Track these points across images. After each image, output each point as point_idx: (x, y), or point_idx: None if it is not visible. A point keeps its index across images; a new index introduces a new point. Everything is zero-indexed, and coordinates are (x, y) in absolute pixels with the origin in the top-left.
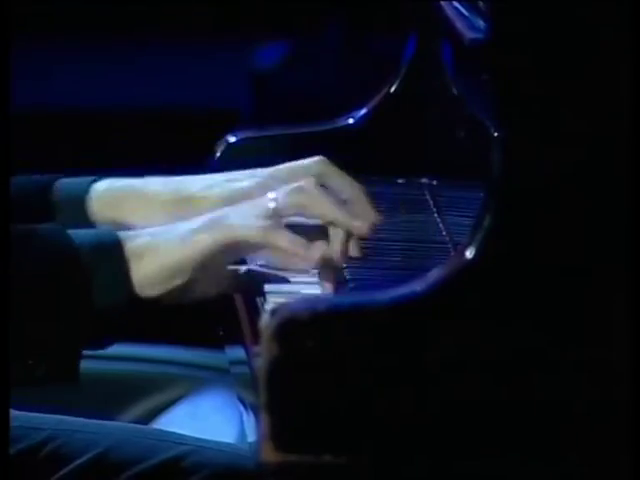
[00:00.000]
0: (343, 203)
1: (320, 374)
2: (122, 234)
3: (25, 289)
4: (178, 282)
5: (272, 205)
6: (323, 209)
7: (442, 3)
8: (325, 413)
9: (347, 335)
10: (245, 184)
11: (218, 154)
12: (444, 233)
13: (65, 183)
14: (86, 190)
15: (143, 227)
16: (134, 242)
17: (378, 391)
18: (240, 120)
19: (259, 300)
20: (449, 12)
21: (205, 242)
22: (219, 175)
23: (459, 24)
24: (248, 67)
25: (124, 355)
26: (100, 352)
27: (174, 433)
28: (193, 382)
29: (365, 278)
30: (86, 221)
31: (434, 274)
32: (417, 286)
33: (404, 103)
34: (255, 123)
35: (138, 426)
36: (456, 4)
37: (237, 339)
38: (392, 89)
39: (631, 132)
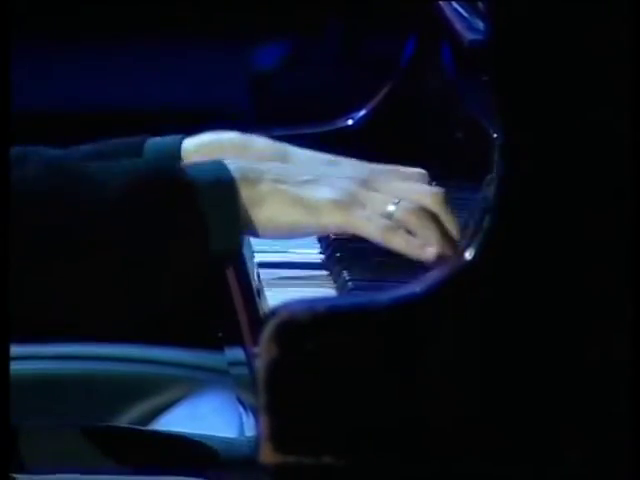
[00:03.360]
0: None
1: (319, 375)
2: (239, 174)
3: (135, 228)
4: (285, 236)
5: (392, 209)
6: (429, 241)
7: (441, 4)
8: (324, 414)
9: (346, 336)
10: (348, 171)
11: None
12: None
13: (155, 142)
14: (178, 146)
15: None
16: (255, 189)
17: (378, 392)
18: (239, 121)
19: (258, 301)
20: (448, 13)
21: (327, 222)
22: (326, 156)
23: (458, 25)
24: (247, 68)
25: (123, 356)
26: (100, 353)
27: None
28: (192, 383)
29: (364, 279)
30: None
31: (433, 275)
32: (416, 287)
33: (403, 104)
34: (254, 124)
35: None
36: (455, 5)
37: (236, 340)
38: (391, 90)
39: (632, 133)
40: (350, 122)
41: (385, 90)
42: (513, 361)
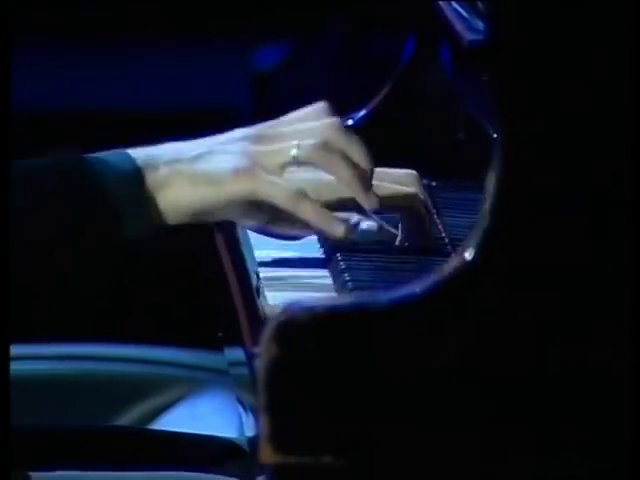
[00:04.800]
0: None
1: (319, 375)
2: (141, 161)
3: (52, 222)
4: (197, 216)
5: (294, 153)
6: (341, 172)
7: (441, 4)
8: (324, 414)
9: (346, 336)
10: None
11: None
12: (443, 234)
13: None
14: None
15: None
16: (156, 173)
17: (378, 392)
18: (240, 121)
19: (259, 301)
20: (448, 13)
21: (233, 192)
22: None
23: (458, 25)
24: (248, 68)
25: (123, 356)
26: (100, 353)
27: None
28: (192, 383)
29: (364, 279)
30: None
31: (433, 275)
32: (416, 287)
33: (403, 104)
34: (254, 124)
35: None
36: (455, 5)
37: (236, 340)
38: (391, 90)
39: (632, 133)
40: (350, 122)
41: (385, 90)
42: (513, 361)
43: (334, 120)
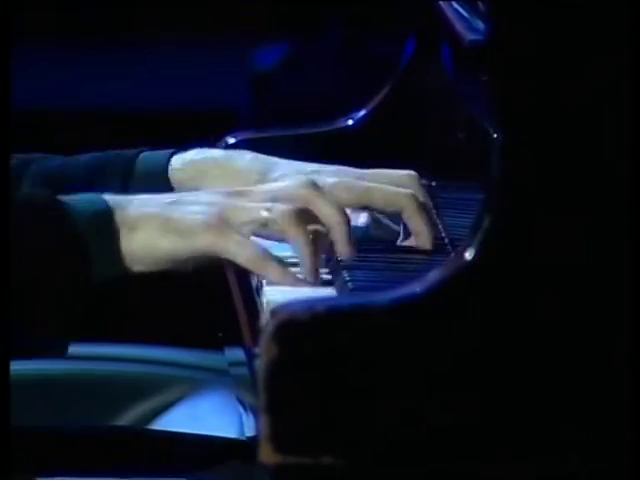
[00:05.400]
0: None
1: (319, 375)
2: (113, 202)
3: (21, 261)
4: (165, 264)
5: (265, 215)
6: (301, 247)
7: (441, 4)
8: (325, 415)
9: (346, 336)
10: (330, 181)
11: None
12: (443, 234)
13: (147, 156)
14: (166, 163)
15: None
16: (127, 213)
17: (377, 393)
18: (239, 121)
19: (258, 301)
20: (448, 13)
21: (200, 245)
22: (307, 165)
23: (458, 25)
24: (247, 68)
25: (123, 356)
26: (100, 353)
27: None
28: (192, 383)
29: (364, 279)
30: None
31: (433, 275)
32: (416, 287)
33: (403, 104)
34: (254, 124)
35: None
36: (455, 5)
37: (236, 340)
38: (391, 90)
39: (632, 133)
40: (350, 122)
41: (385, 90)
42: (513, 361)
43: (308, 178)
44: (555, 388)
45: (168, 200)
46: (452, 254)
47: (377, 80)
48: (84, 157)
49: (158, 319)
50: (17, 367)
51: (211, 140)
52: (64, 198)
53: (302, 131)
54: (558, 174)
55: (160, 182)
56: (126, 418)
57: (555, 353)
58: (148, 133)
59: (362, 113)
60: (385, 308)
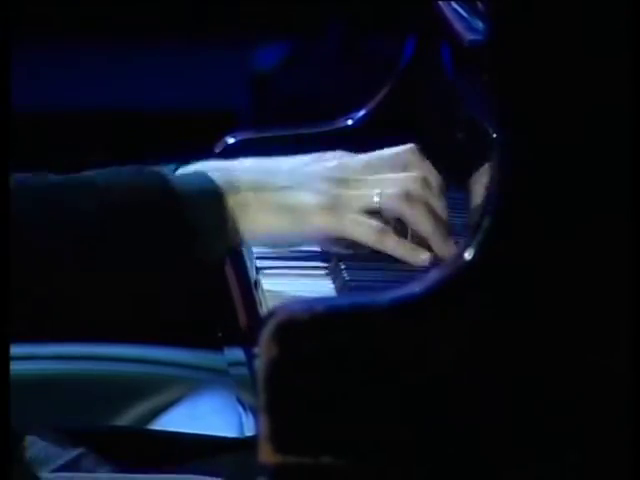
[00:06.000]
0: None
1: (319, 375)
2: (223, 182)
3: (128, 239)
4: (272, 242)
5: (376, 200)
6: (422, 225)
7: (441, 4)
8: (324, 414)
9: (346, 336)
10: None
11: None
12: None
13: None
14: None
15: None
16: (239, 196)
17: (377, 392)
18: (239, 121)
19: (258, 301)
20: (448, 13)
21: (314, 227)
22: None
23: (458, 25)
24: (247, 68)
25: (123, 356)
26: (100, 353)
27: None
28: (192, 383)
29: (364, 279)
30: None
31: (433, 275)
32: (416, 287)
33: (403, 104)
34: (254, 124)
35: None
36: (455, 5)
37: (236, 340)
38: (391, 90)
39: (632, 133)
40: (350, 122)
41: (385, 90)
42: (513, 361)
43: (417, 174)
44: (555, 388)
45: (282, 184)
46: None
47: (377, 80)
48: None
49: (158, 319)
50: (17, 367)
51: (211, 140)
52: (171, 175)
53: (302, 131)
54: (558, 174)
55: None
56: (126, 418)
57: (555, 352)
58: (148, 133)
59: (362, 113)
60: (385, 308)
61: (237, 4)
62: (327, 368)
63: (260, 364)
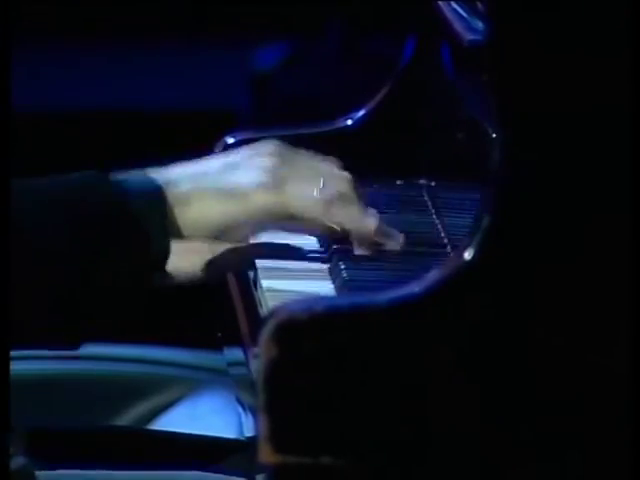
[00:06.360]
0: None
1: (319, 375)
2: (163, 180)
3: (75, 239)
4: (218, 229)
5: (321, 184)
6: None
7: (440, 4)
8: (324, 414)
9: (346, 336)
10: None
11: None
12: (442, 234)
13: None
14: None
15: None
16: (178, 189)
17: (377, 392)
18: (239, 121)
19: (258, 301)
20: (448, 13)
21: (258, 205)
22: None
23: (458, 25)
24: (247, 68)
25: (123, 356)
26: (100, 353)
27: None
28: (191, 384)
29: (364, 279)
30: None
31: (432, 275)
32: (415, 287)
33: (403, 104)
34: (254, 124)
35: None
36: (455, 5)
37: (235, 340)
38: (391, 90)
39: (631, 133)
40: (349, 122)
41: (385, 90)
42: (513, 361)
43: (347, 176)
44: (555, 388)
45: (219, 167)
46: (451, 254)
47: (377, 80)
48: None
49: (158, 319)
50: (17, 367)
51: (211, 140)
52: (113, 176)
53: (302, 131)
54: (557, 174)
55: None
56: (126, 418)
57: (555, 352)
58: (148, 133)
59: (362, 113)
60: (384, 308)
61: (237, 4)
62: (327, 368)
63: (260, 364)
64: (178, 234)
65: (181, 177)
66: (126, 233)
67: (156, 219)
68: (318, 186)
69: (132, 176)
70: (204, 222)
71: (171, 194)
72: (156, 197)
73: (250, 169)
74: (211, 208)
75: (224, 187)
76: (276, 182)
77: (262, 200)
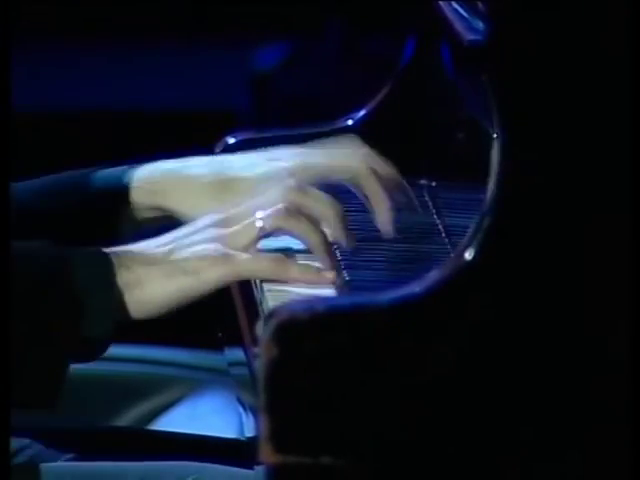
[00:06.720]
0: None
1: (319, 375)
2: (115, 258)
3: (14, 310)
4: (174, 305)
5: (260, 225)
6: (311, 237)
7: (441, 4)
8: (324, 414)
9: (346, 336)
10: (286, 164)
11: None
12: (443, 234)
13: (101, 175)
14: (123, 180)
15: (187, 213)
16: (130, 272)
17: (377, 392)
18: (239, 121)
19: (258, 301)
20: (448, 13)
21: (211, 278)
22: (260, 154)
23: (458, 25)
24: (247, 68)
25: (123, 357)
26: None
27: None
28: (192, 384)
29: (364, 279)
30: (127, 211)
31: (433, 275)
32: (416, 287)
33: (403, 104)
34: (254, 124)
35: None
36: (455, 5)
37: (236, 340)
38: (391, 90)
39: (631, 133)
40: (350, 122)
41: (385, 90)
42: (513, 361)
43: (289, 182)
44: (555, 388)
45: (167, 248)
46: (452, 254)
47: (377, 80)
48: (36, 182)
49: (158, 319)
50: None
51: (211, 140)
52: (68, 254)
53: (302, 131)
54: (558, 174)
55: (118, 202)
56: (126, 418)
57: (555, 352)
58: (148, 133)
59: (362, 113)
60: (385, 308)
61: (237, 4)
62: (327, 368)
63: (260, 364)
64: (129, 316)
65: (134, 259)
66: (68, 318)
67: (101, 305)
68: (258, 224)
69: (85, 252)
70: (158, 301)
71: (122, 277)
72: (106, 282)
73: (195, 245)
74: (167, 288)
75: (176, 267)
76: (225, 252)
77: (216, 274)
